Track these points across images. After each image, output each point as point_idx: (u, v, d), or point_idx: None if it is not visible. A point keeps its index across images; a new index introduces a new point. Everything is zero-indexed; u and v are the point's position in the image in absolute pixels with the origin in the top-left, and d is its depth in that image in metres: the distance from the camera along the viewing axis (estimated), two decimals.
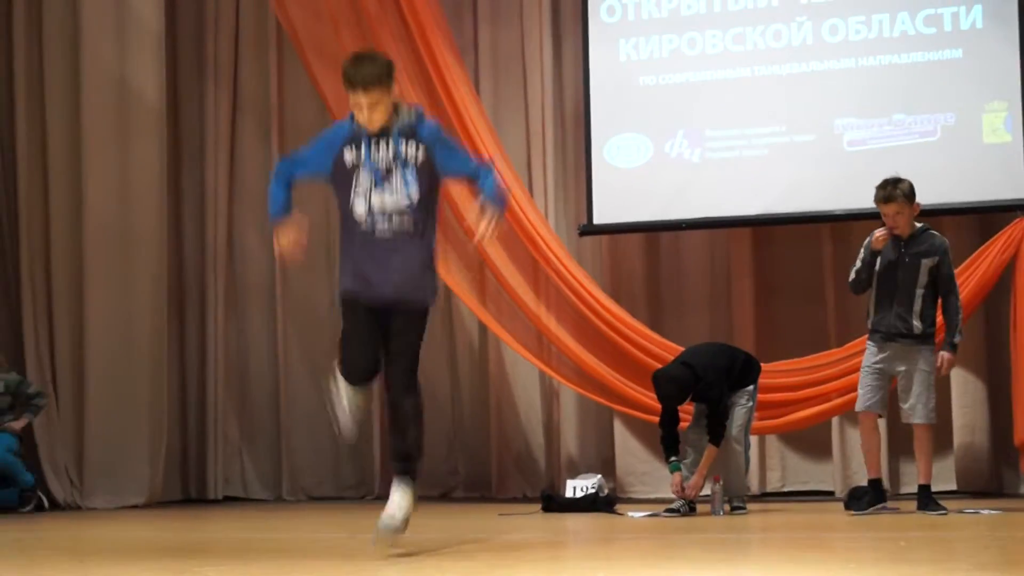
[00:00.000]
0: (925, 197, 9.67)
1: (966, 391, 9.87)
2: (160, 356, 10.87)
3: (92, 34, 10.72)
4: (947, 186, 9.59)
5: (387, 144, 5.83)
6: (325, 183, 6.02)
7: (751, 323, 10.34)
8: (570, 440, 10.74)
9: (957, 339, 8.30)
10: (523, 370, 10.82)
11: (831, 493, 10.02)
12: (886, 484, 9.64)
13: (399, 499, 5.92)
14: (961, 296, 8.77)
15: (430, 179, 5.87)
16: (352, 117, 5.89)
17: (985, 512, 8.00)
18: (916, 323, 8.21)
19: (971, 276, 9.35)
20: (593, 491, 9.26)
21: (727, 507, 8.56)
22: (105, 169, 10.71)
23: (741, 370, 8.69)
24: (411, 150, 5.84)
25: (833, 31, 10.02)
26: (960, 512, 8.07)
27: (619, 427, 10.47)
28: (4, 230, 10.86)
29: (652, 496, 10.09)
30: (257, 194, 11.56)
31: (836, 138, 9.96)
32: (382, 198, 5.81)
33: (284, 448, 11.32)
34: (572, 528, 8.01)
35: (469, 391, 11.09)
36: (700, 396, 8.55)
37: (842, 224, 9.95)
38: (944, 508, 8.10)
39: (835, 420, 9.88)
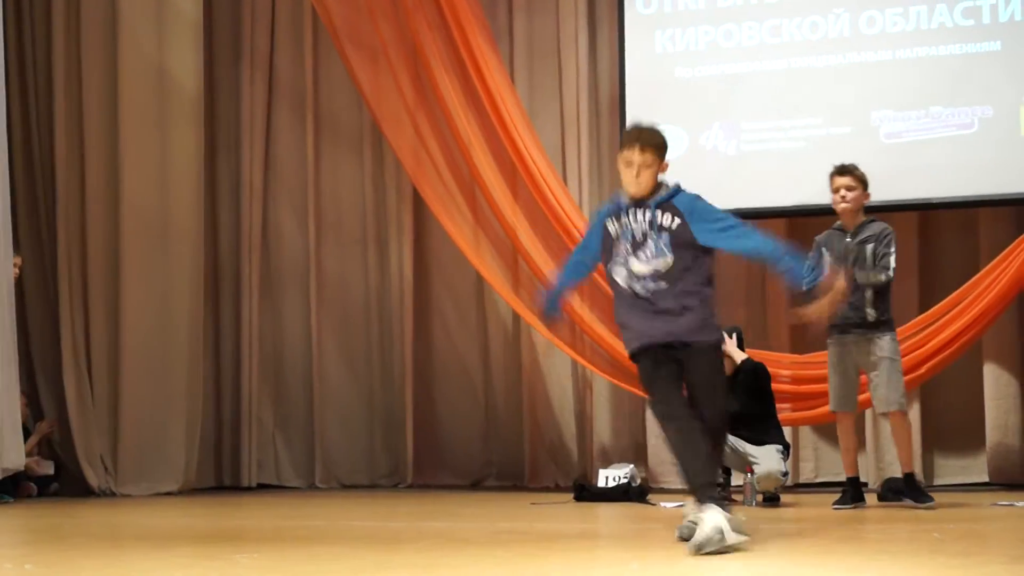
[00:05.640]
0: (962, 189, 9.64)
1: (998, 387, 9.82)
2: (195, 343, 10.91)
3: (130, 23, 10.75)
4: (984, 179, 9.56)
5: (644, 213, 6.01)
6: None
7: (786, 313, 10.31)
8: (603, 430, 10.74)
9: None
10: (556, 359, 10.81)
11: (864, 484, 9.99)
12: (920, 477, 9.63)
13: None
14: (995, 290, 8.68)
15: (691, 247, 5.98)
16: (614, 199, 6.14)
17: (1020, 504, 7.98)
18: (869, 311, 8.20)
19: (1006, 269, 9.27)
20: (625, 481, 9.26)
21: (759, 497, 8.55)
22: (142, 157, 10.75)
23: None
24: (666, 219, 5.99)
25: (871, 23, 9.99)
26: (994, 505, 8.05)
27: (652, 417, 10.45)
28: (42, 218, 10.91)
29: (684, 486, 10.07)
30: (292, 181, 11.60)
31: (873, 130, 9.92)
32: (637, 264, 5.96)
33: (318, 436, 11.34)
34: (604, 518, 8.03)
35: (502, 380, 11.10)
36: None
37: (879, 216, 9.91)
38: (931, 499, 8.10)
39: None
